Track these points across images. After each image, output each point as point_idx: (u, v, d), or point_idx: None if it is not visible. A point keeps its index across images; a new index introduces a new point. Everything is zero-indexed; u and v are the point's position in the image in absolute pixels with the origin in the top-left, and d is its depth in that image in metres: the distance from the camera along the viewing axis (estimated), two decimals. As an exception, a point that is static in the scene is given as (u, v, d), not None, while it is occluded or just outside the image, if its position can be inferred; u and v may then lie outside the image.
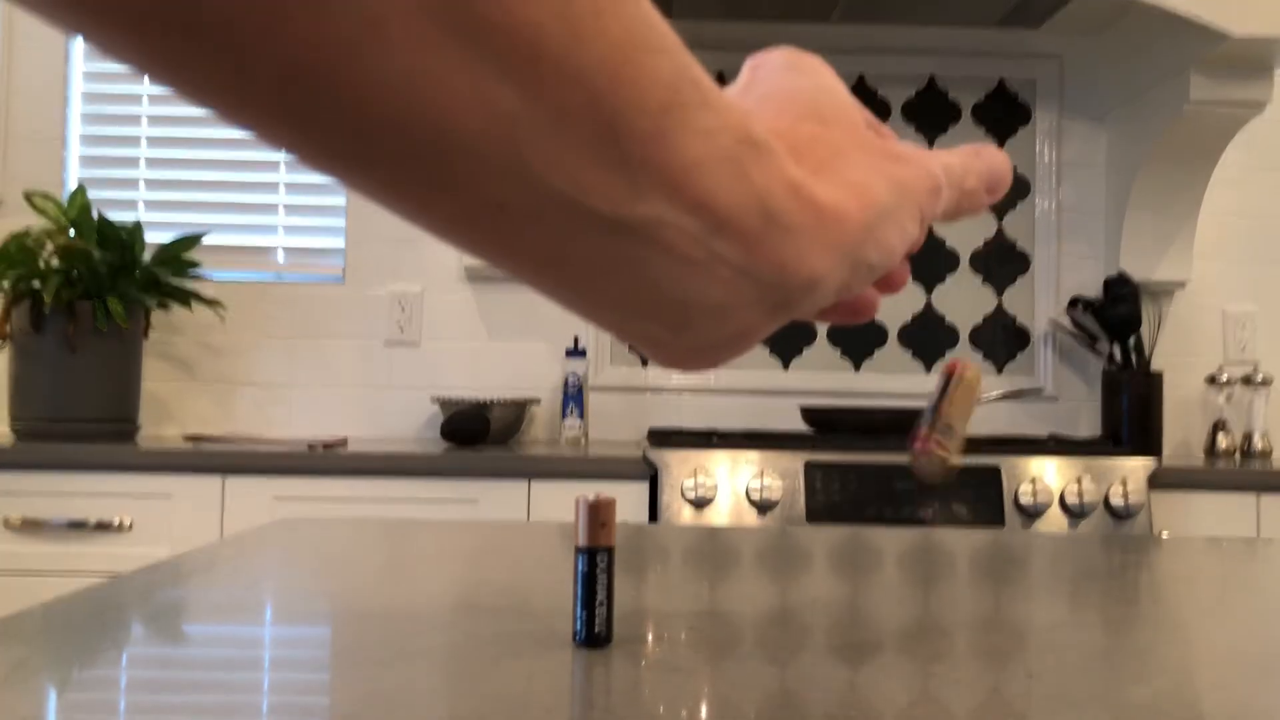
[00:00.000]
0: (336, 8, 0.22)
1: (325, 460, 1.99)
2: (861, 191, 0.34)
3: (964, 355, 2.69)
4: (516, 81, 0.24)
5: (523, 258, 0.29)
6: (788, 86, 0.37)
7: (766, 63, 0.38)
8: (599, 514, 0.44)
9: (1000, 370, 2.67)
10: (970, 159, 0.41)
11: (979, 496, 2.03)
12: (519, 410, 2.40)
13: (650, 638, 0.49)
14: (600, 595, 0.46)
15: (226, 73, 0.23)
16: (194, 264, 2.35)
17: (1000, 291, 2.69)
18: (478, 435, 2.22)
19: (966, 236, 2.69)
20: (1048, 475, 2.05)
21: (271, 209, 2.68)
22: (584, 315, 0.32)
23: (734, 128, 0.29)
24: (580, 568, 0.46)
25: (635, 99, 0.26)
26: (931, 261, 2.69)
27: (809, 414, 2.36)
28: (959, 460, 0.42)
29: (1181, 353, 2.66)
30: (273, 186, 2.68)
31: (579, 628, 0.45)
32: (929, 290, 2.68)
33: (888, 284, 0.43)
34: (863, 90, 2.70)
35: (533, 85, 0.24)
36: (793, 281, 0.32)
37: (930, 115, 2.70)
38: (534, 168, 0.26)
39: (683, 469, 2.01)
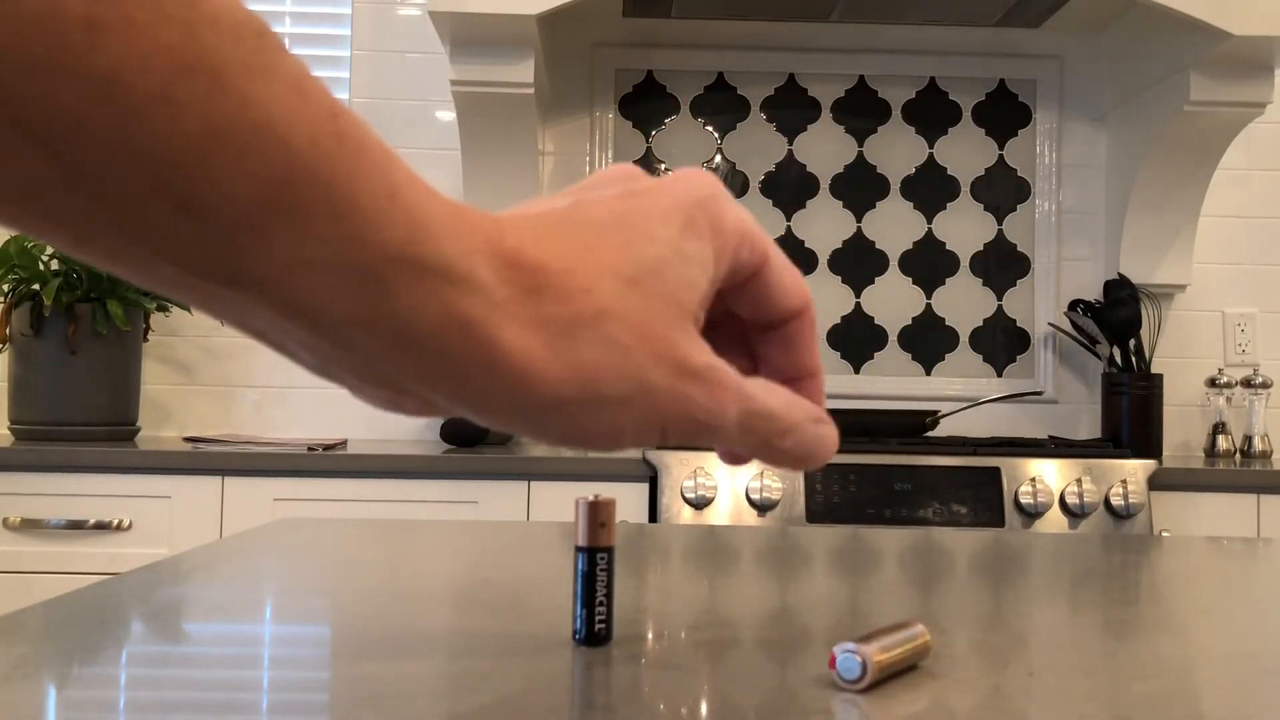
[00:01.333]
0: None
1: (325, 461, 1.99)
2: (581, 366, 0.30)
3: (965, 356, 2.68)
4: (56, 161, 0.24)
5: (161, 289, 0.28)
6: (605, 221, 0.33)
7: (614, 172, 0.35)
8: (599, 514, 0.44)
9: (1000, 373, 2.67)
10: (798, 422, 0.36)
11: (979, 497, 2.03)
12: (519, 411, 2.40)
13: (650, 637, 0.49)
14: (600, 595, 0.46)
15: None
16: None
17: (1000, 294, 2.68)
18: (477, 436, 2.22)
19: (966, 239, 2.69)
20: (1048, 476, 2.05)
21: (271, 210, 2.68)
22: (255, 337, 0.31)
23: (382, 244, 0.27)
24: (580, 567, 0.46)
25: (221, 188, 0.25)
26: (931, 264, 2.69)
27: (809, 415, 2.36)
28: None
29: (1181, 355, 2.66)
30: (273, 188, 2.68)
31: (579, 627, 0.45)
32: (929, 293, 2.68)
33: (730, 457, 0.39)
34: (863, 90, 2.71)
35: (78, 163, 0.24)
36: (409, 407, 0.31)
37: (930, 115, 2.70)
38: (121, 230, 0.25)
39: (682, 470, 2.01)
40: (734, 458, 0.39)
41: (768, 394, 0.35)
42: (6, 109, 0.23)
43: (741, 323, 0.39)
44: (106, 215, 0.25)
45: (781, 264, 0.37)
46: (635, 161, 2.69)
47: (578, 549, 0.46)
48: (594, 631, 0.44)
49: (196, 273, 0.26)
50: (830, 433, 0.38)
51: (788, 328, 0.38)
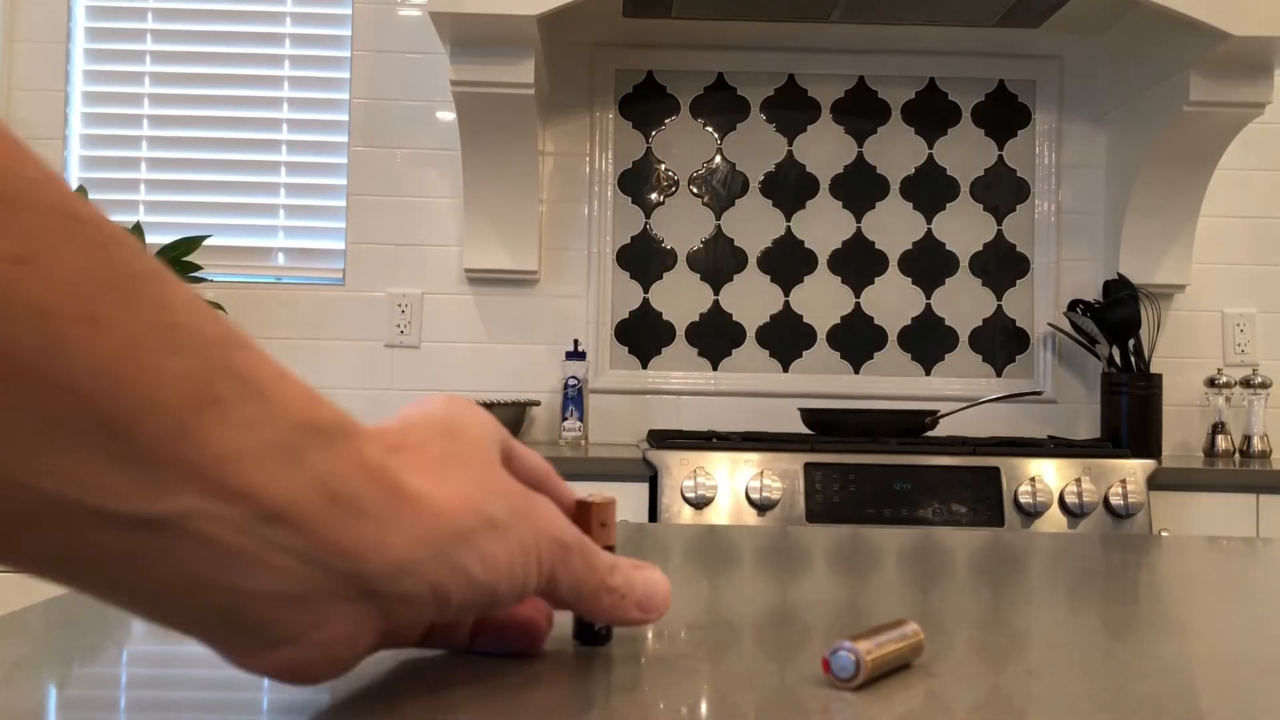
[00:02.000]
0: None
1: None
2: (466, 494, 0.33)
3: (965, 356, 2.69)
4: None
5: (23, 560, 0.27)
6: (425, 411, 0.36)
7: (422, 400, 0.38)
8: (599, 514, 0.44)
9: (1000, 373, 2.67)
10: (625, 564, 0.40)
11: (978, 497, 2.03)
12: (519, 412, 2.40)
13: (650, 637, 0.49)
14: None
15: None
16: (194, 266, 2.35)
17: (1000, 294, 2.69)
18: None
19: (966, 240, 2.69)
20: (1047, 475, 2.05)
21: (272, 210, 2.68)
22: (116, 605, 0.30)
23: (289, 417, 0.29)
24: None
25: (146, 400, 0.25)
26: (931, 264, 2.69)
27: (808, 415, 2.36)
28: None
29: (1181, 355, 2.66)
30: (273, 188, 2.68)
31: (578, 626, 0.45)
32: (928, 293, 2.68)
33: (526, 637, 0.41)
34: (862, 91, 2.71)
35: (7, 399, 0.24)
36: (368, 567, 0.30)
37: (930, 116, 2.70)
38: (19, 477, 0.25)
39: (682, 470, 2.01)
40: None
41: (582, 537, 0.39)
42: None
43: None
44: (31, 454, 0.25)
45: (518, 446, 0.41)
46: (635, 162, 2.69)
47: None
48: (594, 631, 0.45)
49: (123, 500, 0.26)
50: (656, 576, 0.41)
51: (544, 488, 0.41)
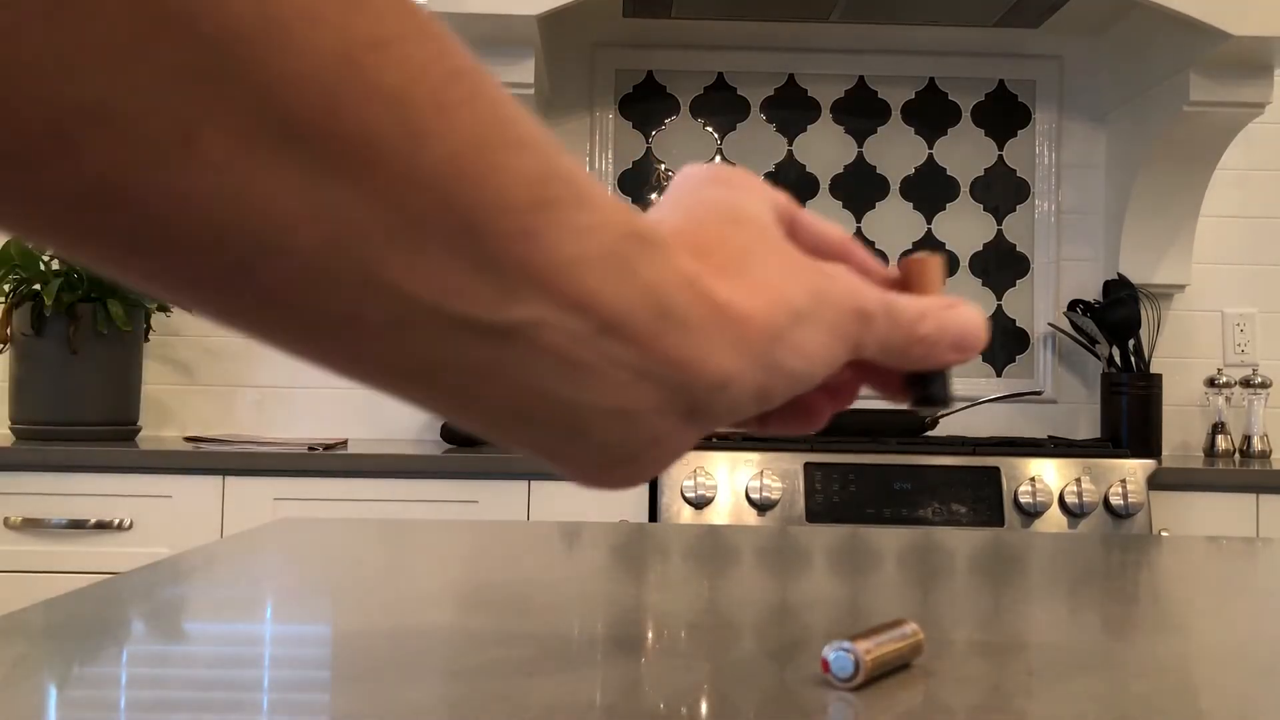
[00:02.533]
0: (134, 127, 0.20)
1: (325, 461, 1.99)
2: (770, 291, 0.32)
3: (964, 356, 2.68)
4: (357, 187, 0.23)
5: (386, 371, 0.27)
6: (704, 196, 0.35)
7: (690, 174, 0.37)
8: (918, 274, 0.41)
9: (1000, 373, 2.67)
10: (935, 307, 0.38)
11: (978, 496, 2.03)
12: (519, 411, 2.40)
13: (650, 637, 0.49)
14: None
15: (13, 199, 0.21)
16: (194, 265, 2.35)
17: (1000, 294, 2.69)
18: (477, 436, 2.22)
19: (966, 239, 2.69)
20: (1047, 475, 2.05)
21: (271, 210, 2.68)
22: (466, 426, 0.30)
23: (616, 224, 0.28)
24: None
25: (496, 197, 0.25)
26: (931, 263, 2.68)
27: (809, 415, 2.36)
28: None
29: (1181, 355, 2.66)
30: (273, 188, 2.68)
31: (914, 393, 0.41)
32: (929, 292, 2.68)
33: (836, 397, 0.40)
34: (862, 91, 2.71)
35: (376, 189, 0.23)
36: (699, 382, 0.30)
37: (930, 116, 2.70)
38: (388, 277, 0.24)
39: (682, 469, 2.01)
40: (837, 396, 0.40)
41: (879, 291, 0.36)
42: (302, 141, 0.22)
43: None
44: (400, 254, 0.24)
45: (805, 213, 0.39)
46: (635, 162, 2.69)
47: None
48: (927, 391, 0.40)
49: (480, 306, 0.26)
50: (967, 313, 0.38)
51: (836, 254, 0.39)
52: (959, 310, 0.38)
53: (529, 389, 0.28)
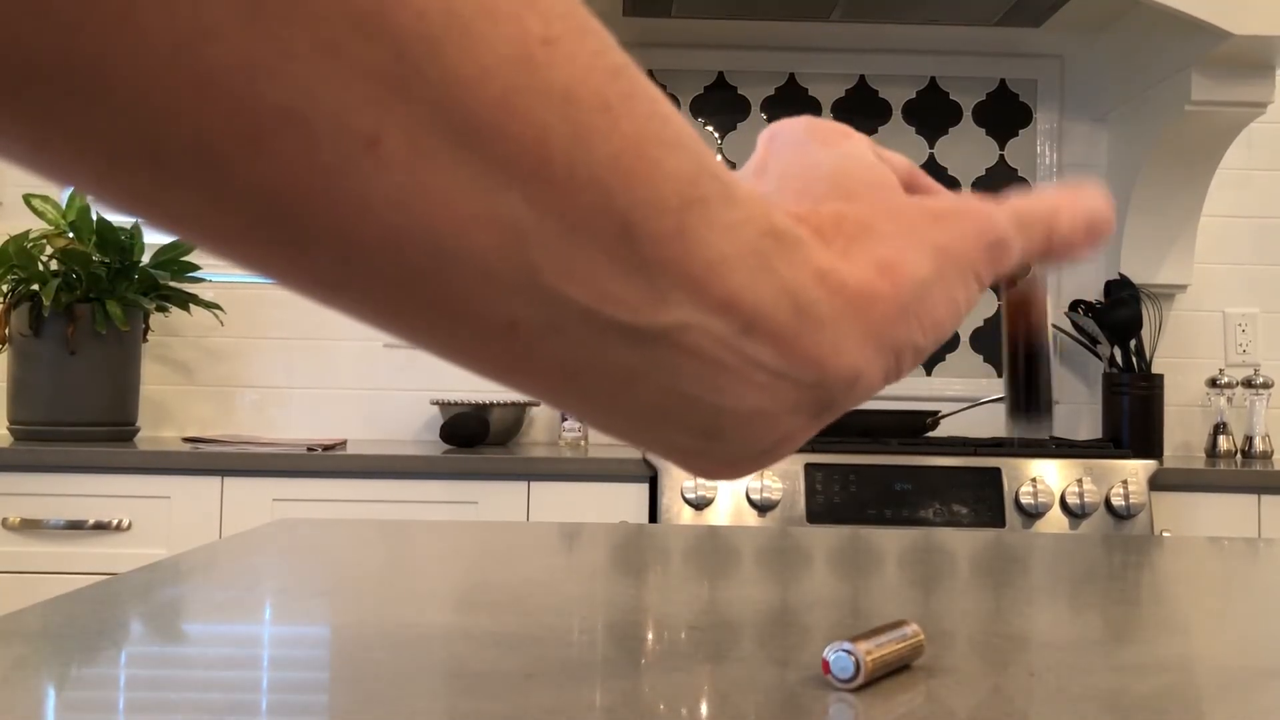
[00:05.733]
0: (324, 129, 0.20)
1: (324, 462, 1.99)
2: (893, 268, 0.31)
3: (966, 357, 2.69)
4: (524, 189, 0.23)
5: (537, 376, 0.27)
6: (807, 162, 0.34)
7: (782, 134, 0.36)
8: (1024, 299, 0.41)
9: (1000, 373, 2.67)
10: (1061, 199, 0.37)
11: (979, 497, 2.03)
12: (519, 412, 2.40)
13: (650, 638, 0.49)
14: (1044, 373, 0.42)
15: (197, 204, 0.21)
16: (193, 266, 2.35)
17: (1001, 293, 2.68)
18: (477, 437, 2.22)
19: (967, 238, 2.69)
20: (1048, 476, 2.05)
21: (271, 210, 2.68)
22: (603, 429, 0.29)
23: (757, 219, 0.27)
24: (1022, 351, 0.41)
25: (652, 197, 0.24)
26: (932, 263, 2.69)
27: (809, 415, 2.36)
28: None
29: (1182, 355, 2.66)
30: (273, 188, 2.68)
31: (1019, 400, 0.41)
32: (929, 292, 2.68)
33: None
34: (863, 90, 2.71)
35: (542, 191, 0.23)
36: (833, 380, 0.30)
37: (930, 115, 2.70)
38: (547, 280, 0.24)
39: (683, 470, 2.01)
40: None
41: (1001, 202, 0.36)
42: (479, 141, 0.22)
43: None
44: (564, 257, 0.24)
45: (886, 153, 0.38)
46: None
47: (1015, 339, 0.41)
48: (1036, 404, 0.40)
49: (631, 310, 0.25)
50: (1094, 195, 0.38)
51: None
52: (1087, 195, 0.38)
53: (671, 391, 0.28)
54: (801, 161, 0.34)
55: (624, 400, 0.28)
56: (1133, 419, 2.38)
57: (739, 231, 0.27)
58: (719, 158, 0.27)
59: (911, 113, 2.70)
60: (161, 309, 2.33)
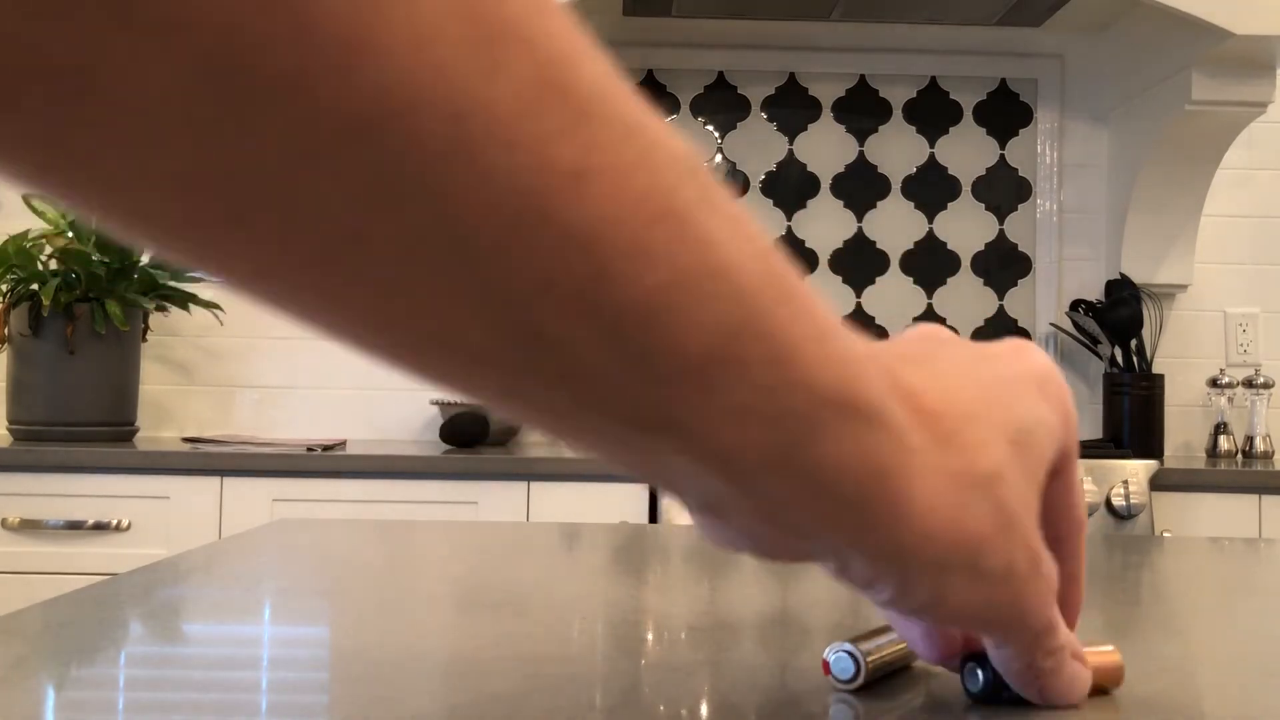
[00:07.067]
0: (303, 224, 0.20)
1: (324, 462, 1.99)
2: (975, 528, 0.29)
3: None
4: (528, 314, 0.22)
5: (580, 440, 0.27)
6: (1006, 392, 0.31)
7: (1004, 351, 0.34)
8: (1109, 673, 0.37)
9: (1001, 371, 2.67)
10: (1073, 648, 0.34)
11: (980, 498, 2.03)
12: (519, 411, 2.40)
13: (650, 639, 0.49)
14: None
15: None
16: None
17: (1001, 294, 2.68)
18: (477, 437, 2.22)
19: (967, 239, 2.69)
20: (1049, 476, 2.04)
21: (272, 210, 2.67)
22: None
23: (816, 386, 0.26)
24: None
25: (673, 345, 0.23)
26: (932, 264, 2.68)
27: (809, 415, 2.36)
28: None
29: (1183, 355, 2.66)
30: (273, 188, 2.67)
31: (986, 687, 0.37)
32: (930, 293, 2.68)
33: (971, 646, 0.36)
34: (863, 90, 2.70)
35: (545, 322, 0.23)
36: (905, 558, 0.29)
37: (931, 115, 2.70)
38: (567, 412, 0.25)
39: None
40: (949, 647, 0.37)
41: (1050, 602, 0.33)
42: (477, 273, 0.21)
43: None
44: (550, 372, 0.23)
45: (1078, 470, 0.35)
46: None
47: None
48: (1001, 696, 0.37)
49: (620, 421, 0.25)
50: (1084, 673, 0.35)
51: (1059, 541, 0.34)
52: (1079, 668, 0.35)
53: (676, 474, 0.27)
54: (1001, 377, 0.32)
55: (624, 460, 0.28)
56: (1133, 419, 2.38)
57: (772, 394, 0.26)
58: (727, 183, 0.26)
59: (912, 112, 2.70)
60: (161, 309, 2.33)
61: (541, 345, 0.22)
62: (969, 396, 0.30)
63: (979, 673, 0.36)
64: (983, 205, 2.69)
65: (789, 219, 2.69)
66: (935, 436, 0.29)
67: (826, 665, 0.39)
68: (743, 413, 0.25)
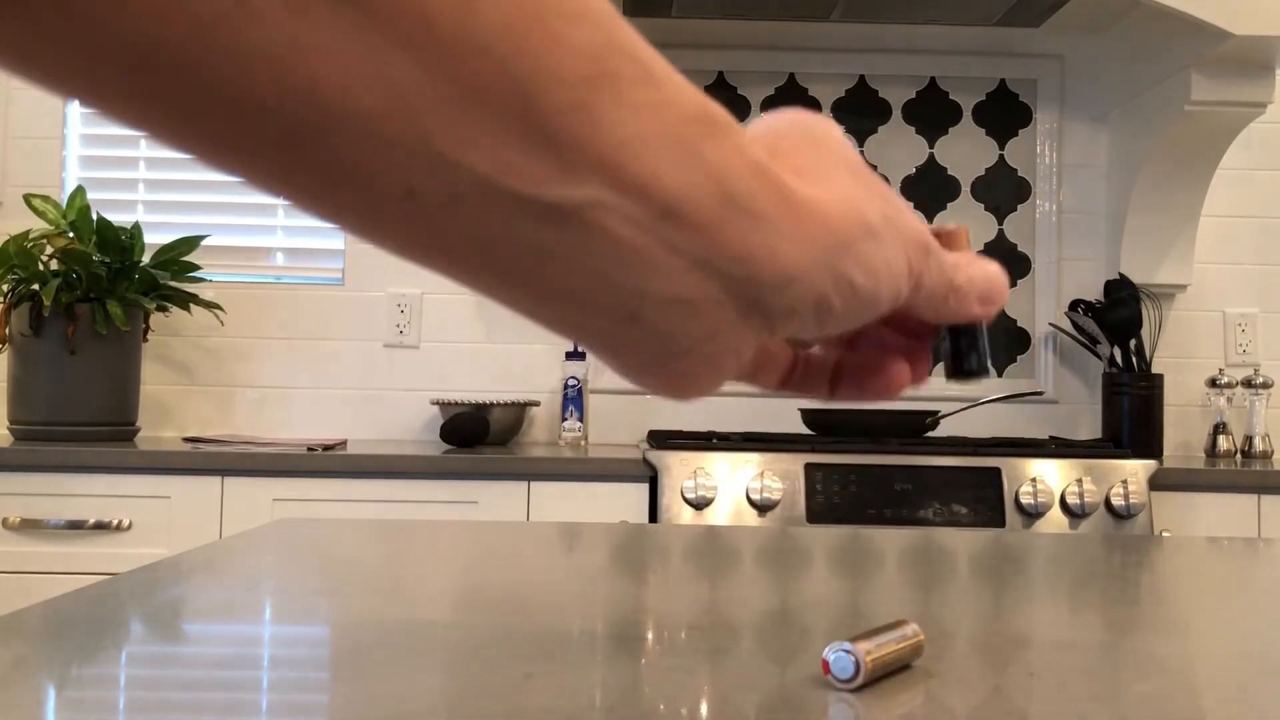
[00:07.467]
0: None
1: (324, 462, 1.99)
2: (846, 200, 0.31)
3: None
4: (411, 52, 0.22)
5: (446, 250, 0.26)
6: (788, 118, 0.34)
7: (776, 113, 0.36)
8: (958, 240, 0.41)
9: (1001, 373, 2.67)
10: (965, 260, 0.38)
11: (979, 497, 2.03)
12: (518, 412, 2.40)
13: (650, 638, 0.49)
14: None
15: (74, 57, 0.21)
16: (193, 266, 2.35)
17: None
18: (477, 437, 2.22)
19: (967, 238, 2.69)
20: (1048, 476, 2.05)
21: (270, 210, 2.67)
22: (525, 313, 0.29)
23: (683, 104, 0.27)
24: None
25: (550, 68, 0.24)
26: (932, 263, 2.68)
27: (809, 416, 2.36)
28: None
29: (1182, 355, 2.66)
30: (273, 188, 2.68)
31: (952, 362, 0.41)
32: (929, 292, 2.68)
33: (912, 362, 0.40)
34: (863, 90, 2.71)
35: (430, 55, 0.23)
36: (762, 275, 0.29)
37: (930, 115, 2.70)
38: (443, 148, 0.24)
39: (682, 470, 2.01)
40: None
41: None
42: (363, 3, 0.22)
43: None
44: (458, 126, 0.24)
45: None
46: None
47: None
48: (965, 363, 0.41)
49: (535, 183, 0.25)
50: (993, 269, 0.40)
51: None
52: (984, 263, 0.39)
53: (587, 272, 0.27)
54: (783, 118, 0.35)
55: (540, 280, 0.28)
56: (1133, 419, 2.38)
57: (659, 113, 0.26)
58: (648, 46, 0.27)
59: (911, 113, 2.70)
60: (162, 309, 2.33)
61: (451, 90, 0.23)
62: (773, 132, 0.33)
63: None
64: (982, 205, 2.69)
65: (789, 219, 2.69)
66: (766, 148, 0.30)
67: (826, 665, 0.39)
68: (637, 141, 0.26)
